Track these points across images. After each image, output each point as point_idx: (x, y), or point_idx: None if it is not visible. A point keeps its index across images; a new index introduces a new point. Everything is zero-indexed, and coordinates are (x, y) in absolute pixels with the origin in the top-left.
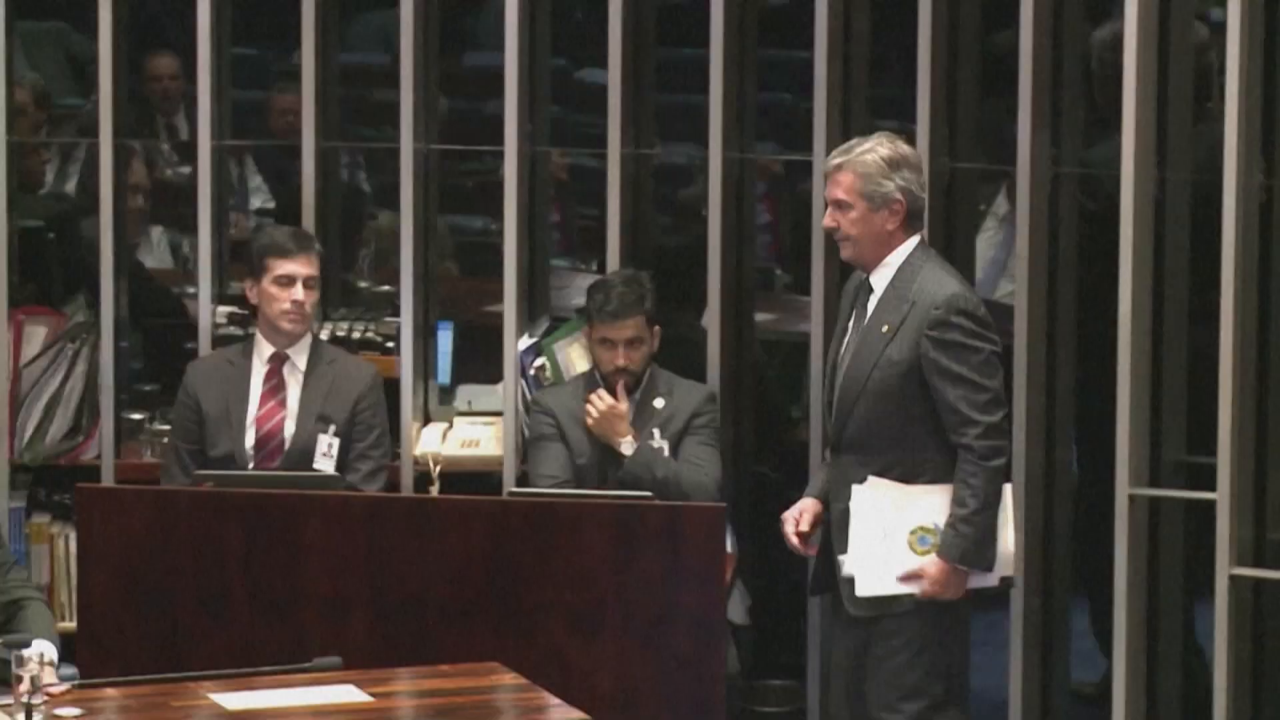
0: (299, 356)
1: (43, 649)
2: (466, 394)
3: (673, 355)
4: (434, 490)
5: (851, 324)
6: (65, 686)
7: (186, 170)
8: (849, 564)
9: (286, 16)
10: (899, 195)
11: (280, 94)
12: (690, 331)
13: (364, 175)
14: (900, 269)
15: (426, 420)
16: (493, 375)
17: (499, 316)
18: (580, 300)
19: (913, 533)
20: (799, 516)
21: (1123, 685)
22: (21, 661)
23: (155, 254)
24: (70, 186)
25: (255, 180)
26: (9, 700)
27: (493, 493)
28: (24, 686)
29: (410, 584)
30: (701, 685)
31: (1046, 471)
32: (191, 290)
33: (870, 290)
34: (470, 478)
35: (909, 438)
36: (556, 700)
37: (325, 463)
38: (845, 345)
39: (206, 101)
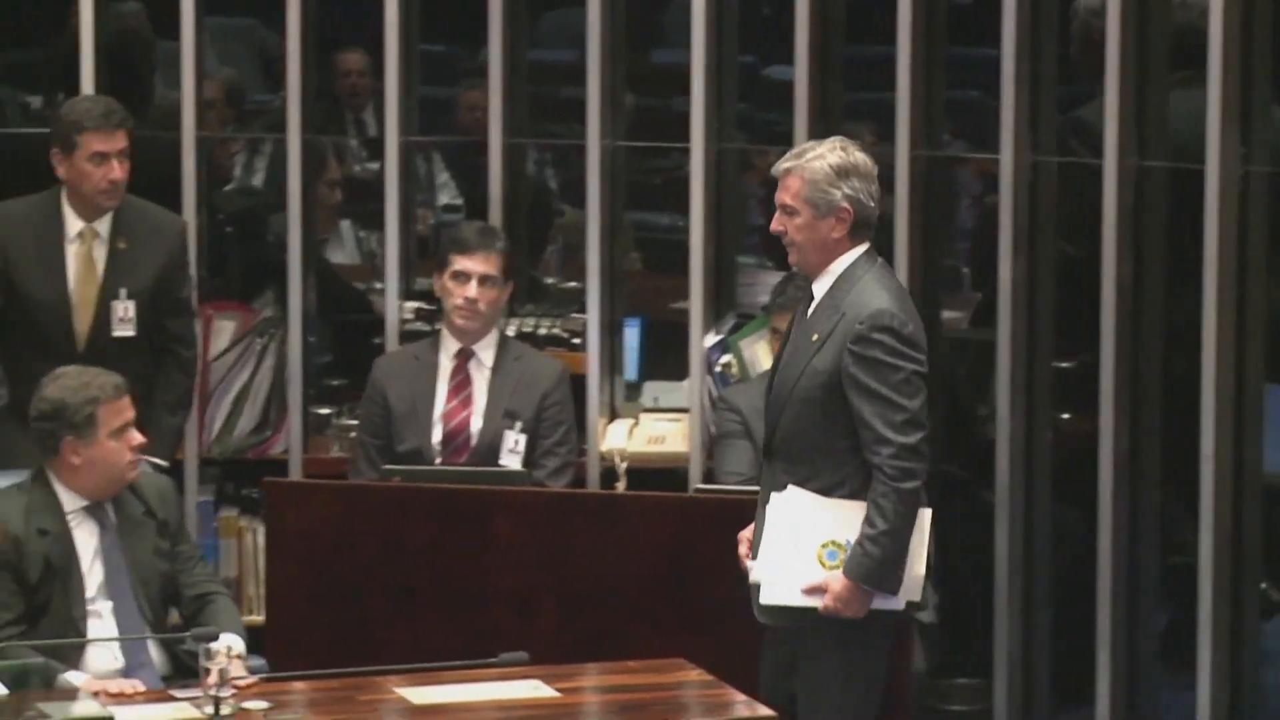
0: (485, 352)
1: (230, 642)
2: (653, 390)
3: None
4: (620, 486)
5: (792, 331)
6: (253, 679)
7: (374, 166)
8: (756, 570)
9: (474, 13)
10: (846, 204)
11: (468, 90)
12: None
13: (551, 172)
14: (840, 278)
15: (613, 416)
16: (679, 372)
17: (686, 313)
18: (767, 297)
19: (823, 546)
20: (750, 539)
21: None
22: (210, 655)
23: (344, 249)
24: (258, 181)
25: (443, 176)
26: (198, 693)
27: (678, 489)
28: (212, 679)
29: (596, 580)
30: (889, 683)
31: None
32: (379, 285)
33: (812, 298)
34: (656, 474)
35: (831, 449)
36: (742, 696)
37: (512, 459)
38: (783, 352)
39: (394, 98)
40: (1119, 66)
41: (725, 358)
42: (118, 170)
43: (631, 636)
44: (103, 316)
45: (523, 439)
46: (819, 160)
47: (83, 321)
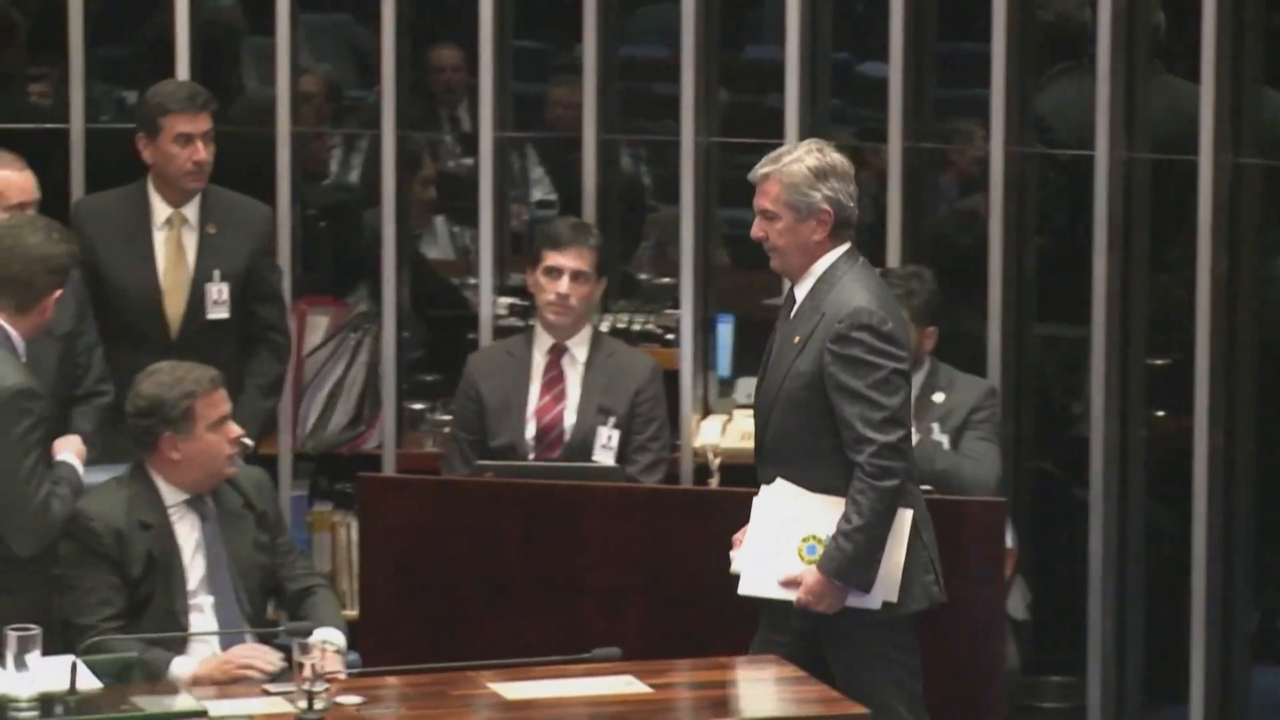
0: (578, 348)
1: (330, 636)
2: (746, 386)
3: (954, 350)
4: (713, 482)
5: (776, 333)
6: (345, 674)
7: (469, 162)
8: (738, 561)
9: (568, 9)
10: (826, 205)
11: (555, 87)
12: (972, 326)
13: (644, 168)
14: (820, 278)
15: (706, 412)
16: None
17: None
18: None
19: (804, 540)
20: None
21: None
22: (304, 649)
23: (438, 245)
24: (354, 177)
25: (536, 172)
26: (291, 687)
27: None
28: (306, 673)
29: (688, 575)
30: (981, 681)
31: None
32: (473, 281)
33: (794, 300)
34: (749, 470)
35: (817, 450)
36: (835, 693)
37: (605, 454)
38: (768, 354)
39: (488, 94)
40: (1214, 67)
41: None
42: (202, 152)
43: (723, 632)
44: (195, 301)
45: (615, 435)
46: (797, 164)
47: (174, 307)
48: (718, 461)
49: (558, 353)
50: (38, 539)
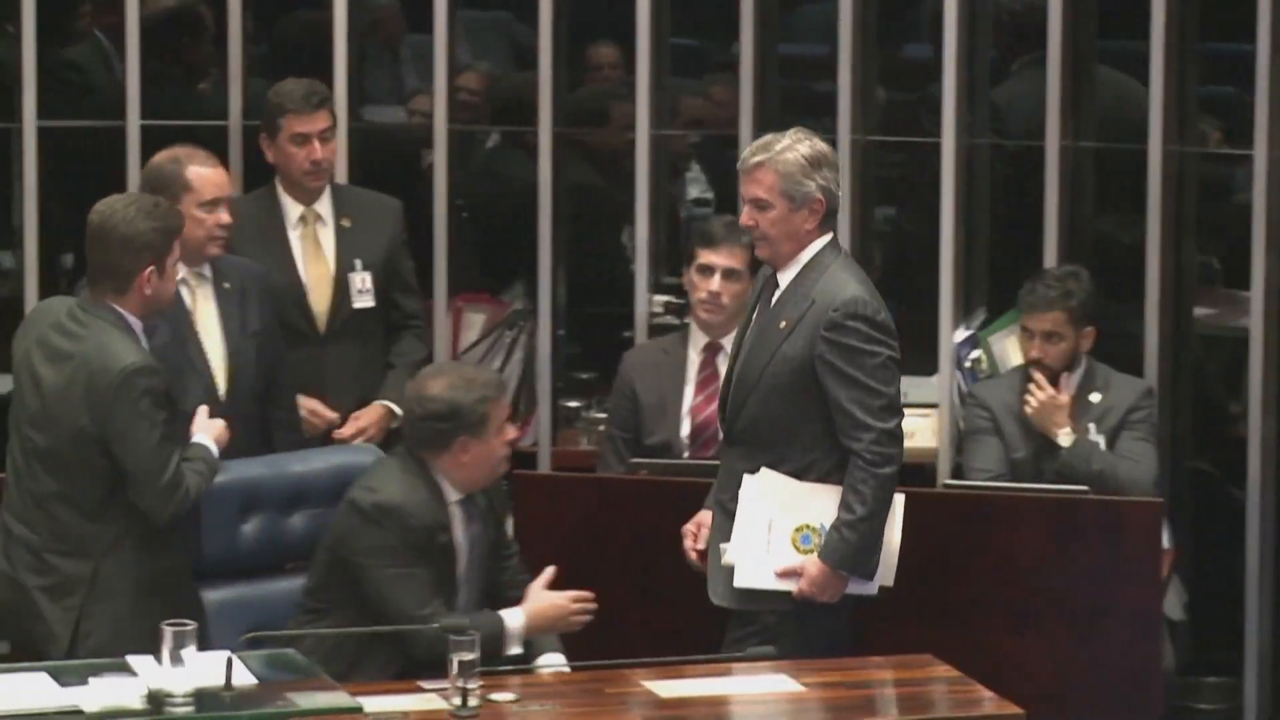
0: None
1: (550, 660)
2: (902, 385)
3: (1111, 350)
4: None
5: (754, 318)
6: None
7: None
8: (730, 553)
9: (726, 7)
10: (819, 194)
11: (718, 85)
12: (1129, 326)
13: None
14: (807, 266)
15: None
16: (928, 367)
17: (935, 308)
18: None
19: (797, 530)
20: (696, 531)
21: None
22: (458, 646)
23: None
24: (510, 174)
25: (693, 170)
26: (445, 684)
27: (926, 485)
28: (456, 670)
29: None
30: (1138, 681)
31: None
32: (629, 279)
33: (776, 286)
34: (905, 469)
35: (798, 435)
36: (990, 693)
37: None
38: (745, 339)
39: (645, 91)
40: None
41: (975, 353)
42: (319, 150)
43: (877, 632)
44: (339, 294)
45: None
46: (790, 152)
47: (319, 302)
48: None
49: (712, 351)
50: (171, 510)
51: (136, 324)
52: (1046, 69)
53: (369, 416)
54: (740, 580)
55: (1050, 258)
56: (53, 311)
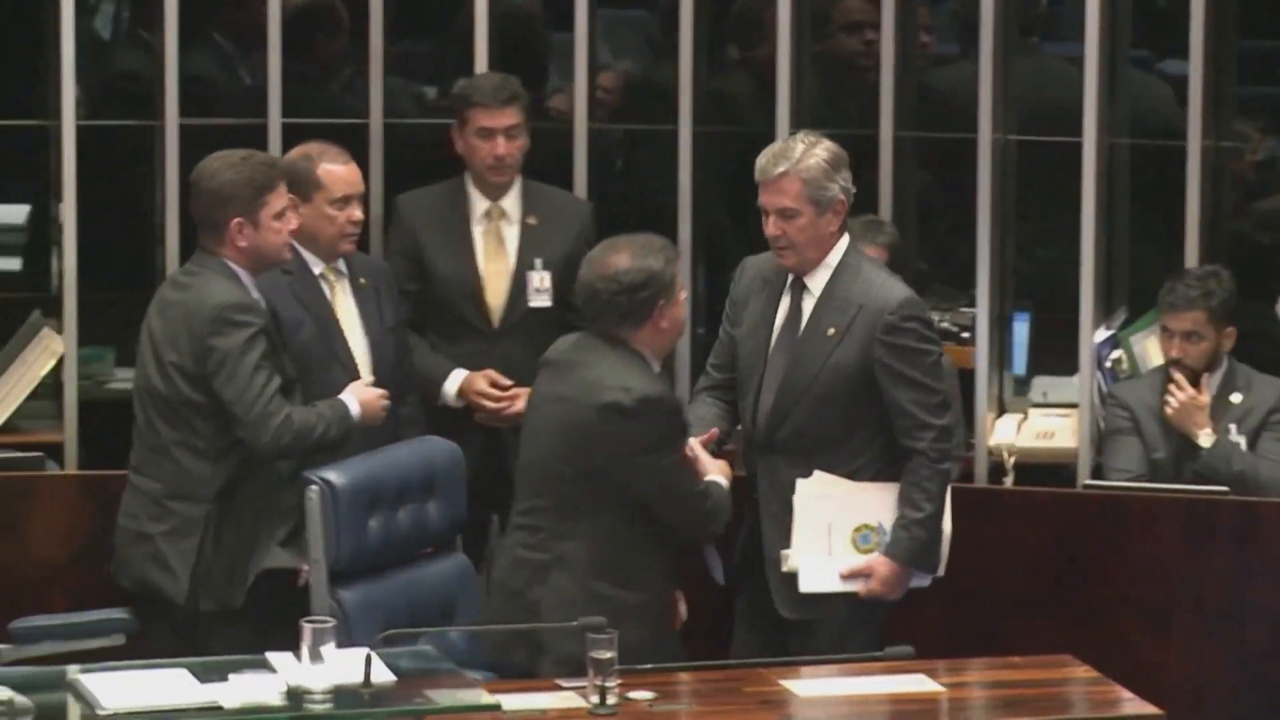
0: None
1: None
2: (1042, 385)
3: (1252, 351)
4: (1008, 481)
5: (781, 321)
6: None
7: None
8: (792, 559)
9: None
10: (841, 195)
11: None
12: (1270, 327)
13: (940, 165)
14: (838, 269)
15: (1001, 411)
16: (1069, 367)
17: (1076, 308)
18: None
19: (856, 530)
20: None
21: None
22: (596, 645)
23: None
24: (648, 173)
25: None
26: (583, 683)
27: (1066, 485)
28: (596, 669)
29: (981, 574)
30: (1276, 683)
31: None
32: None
33: (804, 289)
34: (1044, 469)
35: (847, 441)
36: (1129, 694)
37: None
38: (774, 342)
39: (785, 92)
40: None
41: (1115, 353)
42: (502, 146)
43: (1015, 631)
44: (516, 291)
45: None
46: (811, 157)
47: (495, 297)
48: (1012, 460)
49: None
50: (268, 440)
51: (244, 275)
52: (1189, 68)
53: None
54: (805, 585)
55: (1191, 258)
56: None
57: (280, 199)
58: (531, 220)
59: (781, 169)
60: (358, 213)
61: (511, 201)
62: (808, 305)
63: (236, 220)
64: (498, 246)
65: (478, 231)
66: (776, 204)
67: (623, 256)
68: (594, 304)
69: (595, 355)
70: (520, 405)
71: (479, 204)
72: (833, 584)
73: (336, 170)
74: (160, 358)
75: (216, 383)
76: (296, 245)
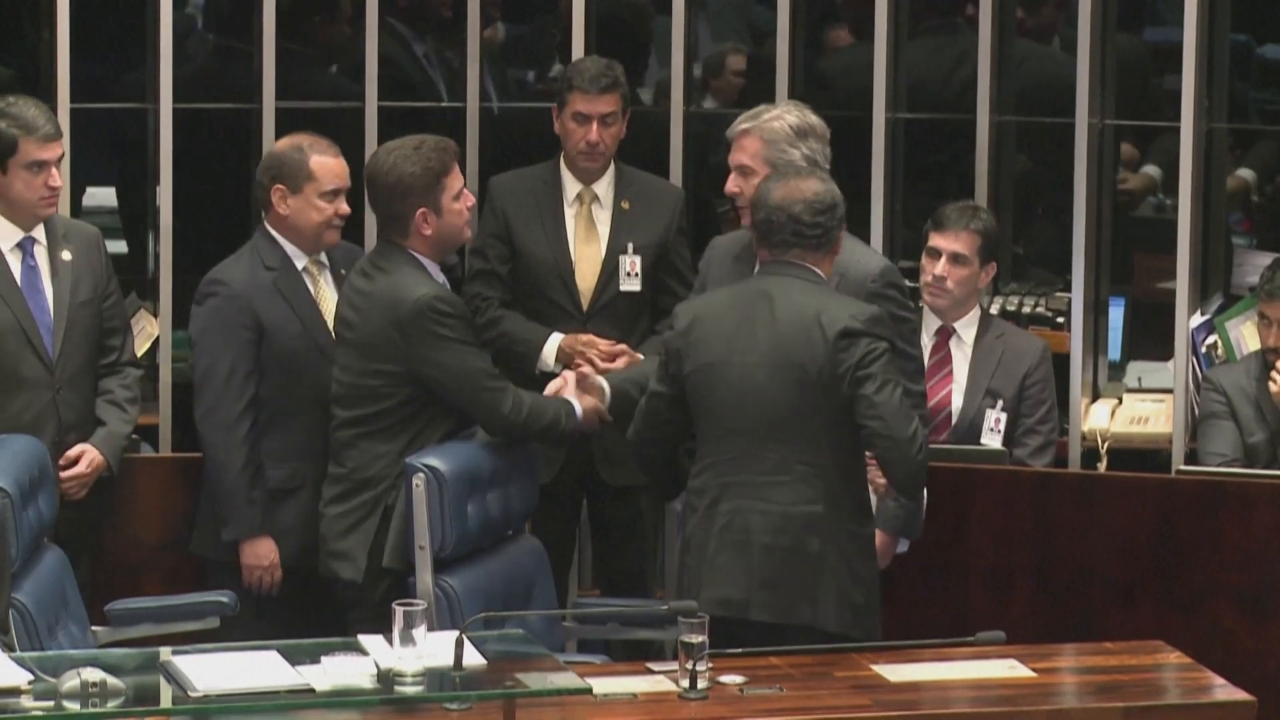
0: (966, 330)
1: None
2: (1137, 370)
3: None
4: (1101, 466)
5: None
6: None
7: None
8: None
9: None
10: (804, 164)
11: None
12: None
13: (1037, 150)
14: None
15: (1096, 396)
16: (1164, 352)
17: (1171, 293)
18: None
19: None
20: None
21: None
22: (688, 628)
23: None
24: None
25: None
26: (674, 666)
27: (1161, 470)
28: (688, 653)
29: (1075, 559)
30: None
31: None
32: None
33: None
34: (1138, 454)
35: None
36: (1222, 681)
37: (993, 437)
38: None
39: (881, 76)
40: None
41: (1211, 338)
42: (595, 133)
43: (1109, 617)
44: (607, 274)
45: (1003, 418)
46: (778, 121)
47: (585, 280)
48: (1106, 446)
49: (945, 335)
50: (507, 413)
51: (431, 265)
52: None
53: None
54: None
55: None
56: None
57: (457, 179)
58: (625, 205)
59: (744, 126)
60: (345, 206)
61: (604, 185)
62: None
63: (421, 210)
64: (589, 230)
65: (570, 214)
66: (736, 160)
67: (809, 183)
68: (782, 236)
69: (817, 292)
70: (623, 363)
71: (572, 187)
72: None
73: (328, 163)
74: (356, 349)
75: (430, 374)
76: (279, 239)
